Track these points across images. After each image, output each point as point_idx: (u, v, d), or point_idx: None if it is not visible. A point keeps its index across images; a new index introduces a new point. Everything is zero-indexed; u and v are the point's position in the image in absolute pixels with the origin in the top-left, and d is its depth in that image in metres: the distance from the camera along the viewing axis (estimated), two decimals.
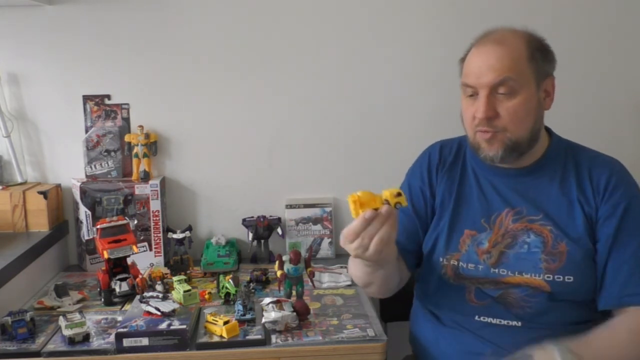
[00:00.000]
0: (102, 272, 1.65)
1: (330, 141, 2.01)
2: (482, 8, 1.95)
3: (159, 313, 1.44)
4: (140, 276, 1.67)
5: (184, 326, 1.39)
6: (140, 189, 1.90)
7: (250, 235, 1.96)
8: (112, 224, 1.69)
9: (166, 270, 1.76)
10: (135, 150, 1.93)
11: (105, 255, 1.64)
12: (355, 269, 1.39)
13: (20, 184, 1.93)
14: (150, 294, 1.51)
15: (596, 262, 1.33)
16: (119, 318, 1.51)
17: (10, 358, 1.36)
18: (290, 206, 2.00)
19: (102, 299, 1.64)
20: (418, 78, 1.98)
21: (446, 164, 1.48)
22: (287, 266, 1.58)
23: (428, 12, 1.97)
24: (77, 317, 1.43)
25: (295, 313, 1.46)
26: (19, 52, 1.92)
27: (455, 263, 1.39)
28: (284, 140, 2.01)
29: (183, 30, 1.94)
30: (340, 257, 1.96)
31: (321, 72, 1.98)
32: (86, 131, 1.96)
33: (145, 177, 1.93)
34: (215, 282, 1.74)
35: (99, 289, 1.67)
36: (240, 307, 1.48)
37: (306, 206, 2.00)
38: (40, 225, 1.85)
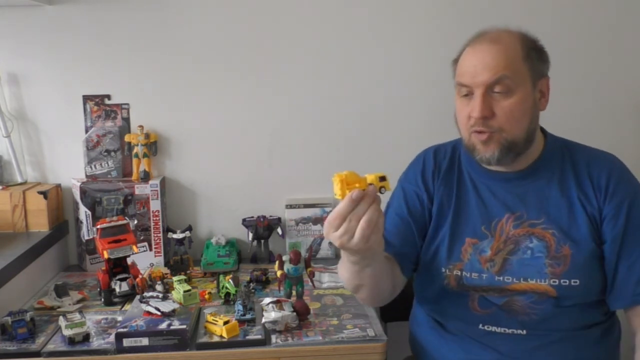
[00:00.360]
0: (102, 272, 1.65)
1: (330, 141, 2.01)
2: (482, 8, 1.96)
3: (159, 313, 1.44)
4: (140, 276, 1.67)
5: (184, 326, 1.39)
6: (140, 189, 1.90)
7: (250, 235, 1.96)
8: (112, 224, 1.69)
9: (166, 270, 1.76)
10: (135, 150, 1.93)
11: (105, 255, 1.64)
12: (344, 269, 1.31)
13: (20, 184, 1.93)
14: (150, 294, 1.51)
15: (602, 263, 1.31)
16: (119, 318, 1.51)
17: (10, 358, 1.36)
18: (290, 206, 2.00)
19: (102, 299, 1.64)
20: (418, 78, 1.98)
21: (442, 170, 1.45)
22: (287, 266, 1.58)
23: (428, 12, 1.97)
24: (77, 317, 1.43)
25: (295, 313, 1.46)
26: (19, 52, 1.92)
27: (459, 273, 1.36)
28: (284, 140, 2.01)
29: (183, 30, 1.94)
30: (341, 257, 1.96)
31: (321, 72, 1.98)
32: (86, 131, 1.96)
33: (145, 177, 1.93)
34: (215, 282, 1.74)
35: (99, 289, 1.67)
36: (240, 307, 1.48)
37: (306, 206, 2.00)
38: (40, 225, 1.85)
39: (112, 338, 1.40)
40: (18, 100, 1.94)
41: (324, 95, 1.99)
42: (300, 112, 2.00)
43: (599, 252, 1.31)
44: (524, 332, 1.33)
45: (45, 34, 1.91)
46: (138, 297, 1.54)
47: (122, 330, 1.38)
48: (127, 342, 1.37)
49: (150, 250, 1.92)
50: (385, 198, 1.44)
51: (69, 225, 1.99)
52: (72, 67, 1.94)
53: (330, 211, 1.39)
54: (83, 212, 1.89)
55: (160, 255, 1.93)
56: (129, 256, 1.68)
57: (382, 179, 1.13)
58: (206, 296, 1.64)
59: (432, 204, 1.43)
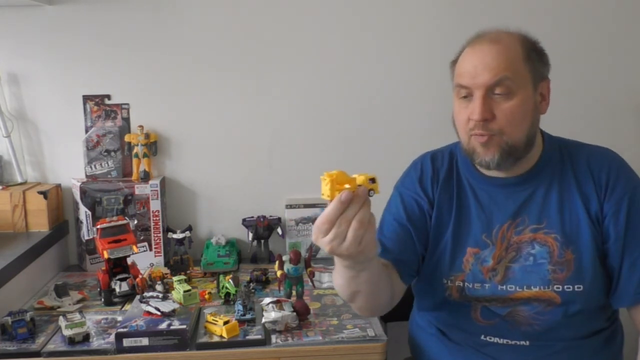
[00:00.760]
0: (102, 272, 1.65)
1: (330, 141, 2.01)
2: (482, 8, 1.96)
3: (159, 313, 1.44)
4: (140, 276, 1.67)
5: (184, 326, 1.39)
6: (140, 189, 1.90)
7: (250, 235, 1.96)
8: (112, 224, 1.69)
9: (166, 270, 1.76)
10: (135, 150, 1.93)
11: (105, 255, 1.64)
12: (338, 275, 1.23)
13: (20, 184, 1.93)
14: (150, 294, 1.51)
15: (605, 265, 1.29)
16: (119, 318, 1.51)
17: (10, 358, 1.36)
18: (290, 206, 2.00)
19: (102, 299, 1.64)
20: (418, 78, 1.98)
21: (440, 177, 1.40)
22: (287, 266, 1.58)
23: (428, 13, 1.97)
24: (77, 317, 1.43)
25: (295, 313, 1.46)
26: (19, 52, 1.92)
27: (461, 284, 1.33)
28: (284, 140, 2.01)
29: (183, 31, 1.94)
30: None
31: (321, 72, 1.98)
32: (86, 131, 1.96)
33: (145, 177, 1.93)
34: (215, 282, 1.74)
35: (99, 289, 1.67)
36: (240, 307, 1.48)
37: (306, 206, 2.00)
38: (40, 225, 1.85)
39: (112, 338, 1.40)
40: (18, 100, 1.94)
41: (324, 96, 1.99)
42: (300, 112, 2.00)
43: (602, 254, 1.29)
44: (527, 343, 1.31)
45: (45, 34, 1.91)
46: (138, 297, 1.54)
47: (122, 330, 1.38)
48: (127, 342, 1.37)
49: (150, 250, 1.92)
50: (380, 202, 1.41)
51: (69, 225, 1.99)
52: (72, 67, 1.94)
53: None
54: (83, 212, 1.89)
55: (160, 255, 1.93)
56: (129, 256, 1.68)
57: (372, 180, 1.05)
58: (206, 296, 1.64)
59: (432, 209, 1.39)
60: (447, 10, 1.97)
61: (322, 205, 1.99)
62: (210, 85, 1.97)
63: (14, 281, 1.60)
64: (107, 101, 1.96)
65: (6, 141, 1.91)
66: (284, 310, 1.45)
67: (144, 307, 1.47)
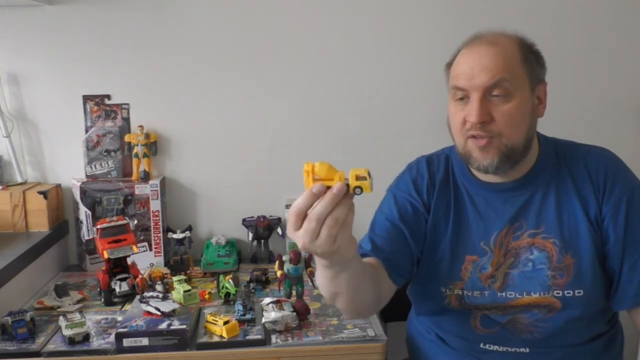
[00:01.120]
0: (102, 272, 1.65)
1: (331, 141, 2.01)
2: (482, 8, 1.96)
3: (159, 313, 1.44)
4: (140, 276, 1.68)
5: (184, 326, 1.39)
6: (140, 189, 1.90)
7: (250, 235, 1.96)
8: (112, 224, 1.69)
9: (166, 270, 1.76)
10: (135, 150, 1.93)
11: (105, 255, 1.64)
12: (318, 274, 1.16)
13: (20, 184, 1.93)
14: (150, 294, 1.51)
15: (604, 268, 1.28)
16: (119, 318, 1.51)
17: (10, 358, 1.36)
18: (290, 206, 1.99)
19: (102, 299, 1.64)
20: (418, 78, 1.98)
21: (436, 183, 1.37)
22: (287, 266, 1.58)
23: (428, 13, 1.97)
24: (77, 317, 1.43)
25: (295, 313, 1.46)
26: (19, 52, 1.92)
27: (460, 292, 1.31)
28: (284, 140, 2.01)
29: (183, 31, 1.94)
30: None
31: (321, 71, 1.98)
32: (86, 131, 1.96)
33: (145, 177, 1.93)
34: (215, 282, 1.74)
35: (99, 289, 1.67)
36: (240, 307, 1.48)
37: None
38: (40, 225, 1.85)
39: (112, 338, 1.40)
40: (18, 100, 1.94)
41: (324, 96, 1.99)
42: (300, 113, 2.00)
43: (602, 257, 1.27)
44: (527, 350, 1.29)
45: (45, 34, 1.91)
46: (138, 297, 1.54)
47: (122, 330, 1.38)
48: (127, 342, 1.37)
49: (150, 250, 1.92)
50: (374, 203, 1.41)
51: (69, 225, 1.99)
52: (72, 67, 1.94)
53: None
54: (83, 212, 1.89)
55: (160, 255, 1.93)
56: (129, 256, 1.68)
57: (362, 178, 0.95)
58: (206, 296, 1.64)
59: (428, 214, 1.35)
60: (447, 10, 1.96)
61: None
62: (210, 85, 1.97)
63: (14, 281, 1.60)
64: (107, 101, 1.96)
65: (6, 141, 1.91)
66: (284, 310, 1.45)
67: (144, 307, 1.47)
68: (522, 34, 1.29)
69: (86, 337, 1.40)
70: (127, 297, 1.64)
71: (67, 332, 1.39)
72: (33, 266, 1.72)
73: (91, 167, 1.95)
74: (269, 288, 1.74)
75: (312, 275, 1.60)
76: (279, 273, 1.63)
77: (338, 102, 2.00)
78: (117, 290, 1.63)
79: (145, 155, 1.93)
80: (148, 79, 1.96)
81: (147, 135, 1.93)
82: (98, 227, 1.68)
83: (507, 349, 1.30)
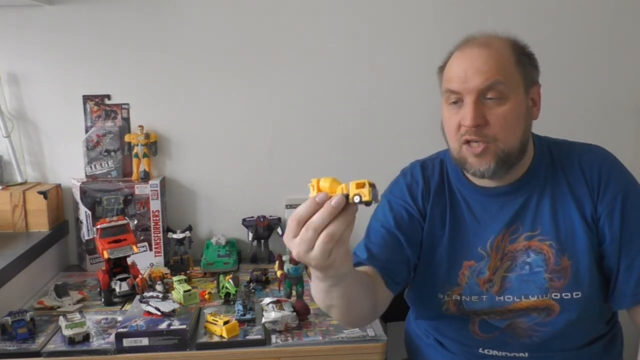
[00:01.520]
0: (102, 272, 1.65)
1: (331, 141, 2.01)
2: (483, 8, 1.96)
3: (159, 313, 1.44)
4: (140, 276, 1.68)
5: (184, 326, 1.39)
6: (140, 189, 1.90)
7: (250, 235, 1.96)
8: (112, 224, 1.69)
9: (166, 270, 1.76)
10: (135, 150, 1.93)
11: (105, 255, 1.64)
12: (312, 285, 1.14)
13: (20, 184, 1.93)
14: (150, 294, 1.51)
15: (603, 266, 1.27)
16: (119, 318, 1.51)
17: (10, 358, 1.36)
18: (290, 206, 2.00)
19: (102, 299, 1.64)
20: (418, 79, 1.98)
21: (431, 189, 1.34)
22: (287, 266, 1.58)
23: (428, 13, 1.97)
24: (77, 317, 1.43)
25: (295, 313, 1.46)
26: (19, 52, 1.92)
27: (458, 298, 1.29)
28: (284, 140, 2.01)
29: (183, 31, 1.94)
30: None
31: (321, 71, 1.98)
32: (86, 131, 1.96)
33: (145, 177, 1.93)
34: (215, 282, 1.74)
35: (99, 289, 1.67)
36: (240, 307, 1.48)
37: None
38: (40, 225, 1.85)
39: (112, 338, 1.40)
40: (18, 100, 1.94)
41: (324, 96, 1.99)
42: (300, 112, 2.00)
43: (599, 257, 1.27)
44: (526, 354, 1.28)
45: (45, 34, 1.91)
46: (138, 297, 1.54)
47: (122, 330, 1.38)
48: (127, 342, 1.37)
49: (150, 250, 1.92)
50: (369, 210, 1.40)
51: (69, 225, 1.99)
52: (72, 67, 1.94)
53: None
54: (83, 212, 1.89)
55: (160, 255, 1.93)
56: (129, 256, 1.68)
57: (361, 186, 0.92)
58: (206, 296, 1.64)
59: (424, 220, 1.33)
60: (446, 10, 1.96)
61: None
62: (210, 85, 1.97)
63: (14, 281, 1.60)
64: (107, 101, 1.96)
65: (6, 141, 1.91)
66: (284, 310, 1.45)
67: (144, 307, 1.47)
68: (514, 36, 1.27)
69: (86, 337, 1.40)
70: (127, 297, 1.64)
71: (67, 332, 1.39)
72: (33, 266, 1.72)
73: (91, 167, 1.95)
74: (269, 288, 1.74)
75: (311, 275, 1.60)
76: (279, 273, 1.63)
77: (338, 102, 2.00)
78: (117, 290, 1.63)
79: (145, 155, 1.93)
80: (148, 79, 1.96)
81: (147, 135, 1.93)
82: (98, 227, 1.68)
83: (506, 353, 1.30)
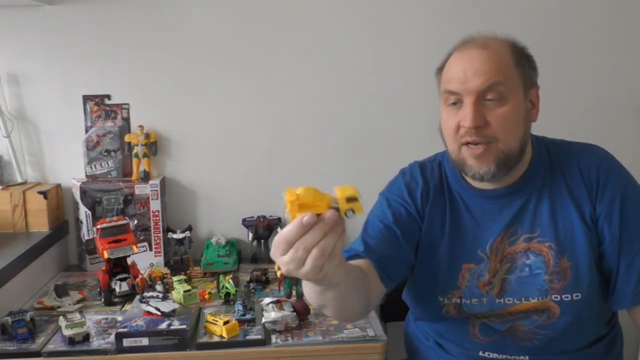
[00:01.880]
0: (102, 272, 1.65)
1: (331, 141, 2.01)
2: (483, 8, 1.96)
3: (159, 313, 1.44)
4: (140, 276, 1.68)
5: (184, 326, 1.39)
6: (140, 189, 1.90)
7: (250, 235, 1.96)
8: (112, 224, 1.69)
9: (166, 270, 1.76)
10: (135, 150, 1.93)
11: (105, 255, 1.64)
12: (304, 284, 1.11)
13: (20, 184, 1.93)
14: (150, 294, 1.51)
15: (602, 266, 1.26)
16: (119, 318, 1.51)
17: (10, 358, 1.36)
18: None
19: (102, 299, 1.64)
20: (418, 79, 1.98)
21: (430, 191, 1.33)
22: None
23: (428, 13, 1.97)
24: (77, 317, 1.43)
25: (295, 313, 1.46)
26: (19, 52, 1.92)
27: (458, 301, 1.29)
28: (284, 140, 2.01)
29: (183, 31, 1.94)
30: None
31: (321, 72, 1.98)
32: (86, 131, 1.96)
33: (145, 177, 1.93)
34: (215, 282, 1.74)
35: (99, 289, 1.67)
36: (240, 307, 1.48)
37: None
38: (40, 225, 1.85)
39: (112, 338, 1.40)
40: (18, 100, 1.94)
41: (324, 96, 1.99)
42: (300, 113, 2.00)
43: (598, 257, 1.26)
44: (526, 357, 1.28)
45: (45, 34, 1.91)
46: (138, 297, 1.54)
47: (122, 330, 1.38)
48: (127, 342, 1.37)
49: (150, 250, 1.92)
50: (366, 208, 1.38)
51: (69, 225, 1.99)
52: (72, 67, 1.94)
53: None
54: (83, 212, 1.89)
55: (160, 255, 1.93)
56: (129, 256, 1.68)
57: (352, 199, 0.88)
58: (206, 296, 1.64)
59: (422, 220, 1.32)
60: (447, 11, 1.96)
61: None
62: (210, 85, 1.97)
63: (14, 281, 1.60)
64: (107, 101, 1.96)
65: (6, 141, 1.91)
66: (284, 310, 1.45)
67: (144, 307, 1.47)
68: (513, 37, 1.27)
69: (86, 337, 1.40)
70: (127, 297, 1.64)
71: (67, 332, 1.39)
72: (33, 266, 1.72)
73: (91, 167, 1.95)
74: (269, 288, 1.74)
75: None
76: (279, 273, 1.63)
77: (338, 102, 2.00)
78: (117, 290, 1.63)
79: (145, 155, 1.93)
80: (148, 79, 1.96)
81: (147, 135, 1.93)
82: (98, 227, 1.68)
83: (506, 356, 1.29)
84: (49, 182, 1.98)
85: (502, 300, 1.27)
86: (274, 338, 1.42)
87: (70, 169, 1.96)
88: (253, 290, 1.55)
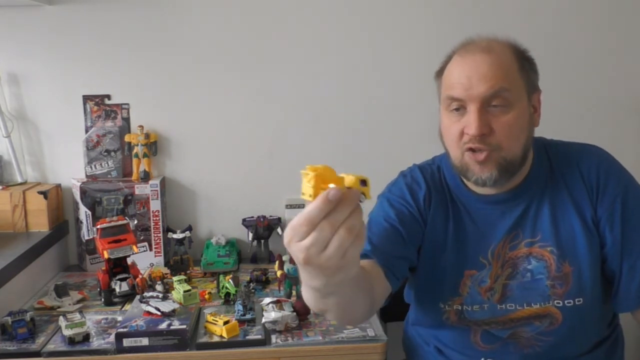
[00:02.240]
0: (102, 272, 1.65)
1: (330, 141, 2.01)
2: (483, 8, 1.96)
3: (159, 313, 1.44)
4: (140, 276, 1.68)
5: (184, 326, 1.39)
6: (140, 189, 1.90)
7: (250, 235, 1.96)
8: (112, 224, 1.69)
9: (166, 270, 1.76)
10: (135, 150, 1.93)
11: (105, 255, 1.64)
12: (304, 290, 1.02)
13: (20, 184, 1.93)
14: (150, 294, 1.51)
15: (605, 269, 1.25)
16: (119, 318, 1.51)
17: (10, 358, 1.36)
18: (290, 206, 2.00)
19: (102, 299, 1.64)
20: (419, 79, 1.97)
21: (433, 193, 1.31)
22: (287, 266, 1.58)
23: (428, 15, 1.97)
24: (77, 317, 1.43)
25: (295, 313, 1.46)
26: (19, 52, 1.92)
27: (459, 307, 1.27)
28: (284, 140, 2.01)
29: (183, 31, 1.94)
30: None
31: (321, 72, 1.98)
32: (86, 131, 1.96)
33: (145, 177, 1.93)
34: (215, 282, 1.74)
35: (99, 289, 1.67)
36: (240, 307, 1.48)
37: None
38: (40, 225, 1.85)
39: (112, 338, 1.40)
40: (18, 100, 1.94)
41: (324, 96, 1.99)
42: (300, 112, 2.00)
43: (600, 261, 1.25)
44: None
45: (45, 34, 1.91)
46: (138, 297, 1.54)
47: (122, 330, 1.38)
48: (127, 342, 1.37)
49: (150, 250, 1.92)
50: (366, 209, 1.38)
51: (69, 225, 1.99)
52: (72, 67, 1.94)
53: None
54: (83, 212, 1.89)
55: (160, 255, 1.93)
56: (129, 256, 1.68)
57: (364, 183, 0.81)
58: (206, 296, 1.64)
59: (424, 223, 1.30)
60: (446, 11, 1.96)
61: None
62: (210, 85, 1.97)
63: (14, 281, 1.60)
64: (107, 101, 1.96)
65: (6, 141, 1.91)
66: (284, 310, 1.45)
67: (144, 307, 1.47)
68: (513, 40, 1.24)
69: (86, 337, 1.40)
70: (127, 297, 1.64)
71: (67, 332, 1.39)
72: (33, 266, 1.72)
73: (91, 167, 1.95)
74: (269, 288, 1.74)
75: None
76: (279, 273, 1.63)
77: (338, 102, 2.00)
78: (117, 290, 1.63)
79: (145, 155, 1.93)
80: (148, 79, 1.96)
81: (147, 135, 1.93)
82: (98, 227, 1.68)
83: None
84: (49, 182, 1.98)
85: (503, 306, 1.26)
86: (274, 338, 1.42)
87: (70, 169, 1.96)
88: (253, 290, 1.55)
